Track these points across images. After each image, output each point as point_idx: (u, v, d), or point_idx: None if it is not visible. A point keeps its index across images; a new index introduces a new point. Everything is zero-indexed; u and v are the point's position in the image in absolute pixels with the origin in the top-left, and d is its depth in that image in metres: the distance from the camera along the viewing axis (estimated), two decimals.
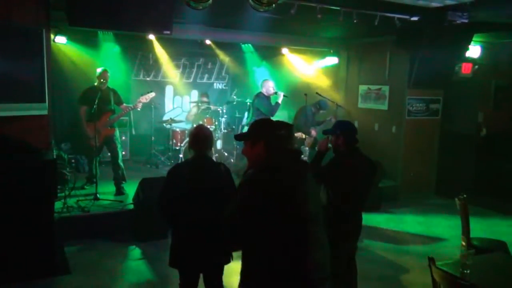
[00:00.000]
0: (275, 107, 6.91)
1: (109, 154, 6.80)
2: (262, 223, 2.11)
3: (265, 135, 2.29)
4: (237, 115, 9.31)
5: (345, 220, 3.47)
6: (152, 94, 6.81)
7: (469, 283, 2.67)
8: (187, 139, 7.87)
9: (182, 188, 3.04)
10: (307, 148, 7.54)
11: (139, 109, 6.81)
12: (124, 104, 6.71)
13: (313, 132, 7.68)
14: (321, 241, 2.25)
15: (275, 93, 7.00)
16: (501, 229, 6.31)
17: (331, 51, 9.13)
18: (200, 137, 3.17)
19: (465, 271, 2.90)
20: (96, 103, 5.98)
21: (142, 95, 6.75)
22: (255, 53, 9.45)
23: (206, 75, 10.02)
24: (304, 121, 7.64)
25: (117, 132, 6.65)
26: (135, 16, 5.35)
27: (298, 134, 7.73)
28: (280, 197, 2.14)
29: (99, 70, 6.47)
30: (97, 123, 6.10)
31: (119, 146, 6.61)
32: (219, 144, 8.44)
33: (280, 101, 6.99)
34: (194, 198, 3.03)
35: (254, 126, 2.41)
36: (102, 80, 6.32)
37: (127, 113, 6.93)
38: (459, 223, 4.27)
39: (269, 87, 7.00)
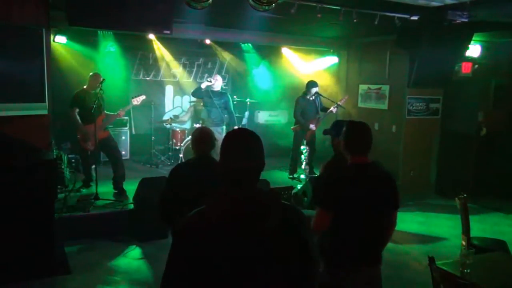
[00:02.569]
0: (196, 90, 7.41)
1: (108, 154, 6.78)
2: None
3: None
4: (237, 115, 9.30)
5: None
6: (143, 97, 6.80)
7: (469, 282, 2.67)
8: (187, 138, 7.91)
9: (183, 188, 3.04)
10: (304, 146, 7.49)
11: (121, 116, 6.71)
12: (105, 112, 6.56)
13: (312, 126, 7.62)
14: None
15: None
16: (501, 228, 6.31)
17: (331, 51, 9.13)
18: (202, 139, 3.21)
19: (465, 271, 2.90)
20: (95, 105, 5.95)
21: (133, 97, 6.74)
22: (255, 52, 9.44)
23: (206, 75, 9.99)
24: (300, 113, 7.63)
25: (110, 133, 6.63)
26: (135, 15, 5.35)
27: (296, 127, 7.72)
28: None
29: (91, 73, 6.44)
30: (93, 125, 6.02)
31: (117, 144, 6.59)
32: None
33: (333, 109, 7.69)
34: (195, 198, 3.02)
35: None
36: (93, 83, 6.25)
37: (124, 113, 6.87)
38: (459, 223, 4.25)
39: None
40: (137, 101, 6.72)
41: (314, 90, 7.64)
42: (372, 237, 2.65)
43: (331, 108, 7.74)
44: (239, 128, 1.57)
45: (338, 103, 7.71)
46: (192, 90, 7.71)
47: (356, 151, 2.68)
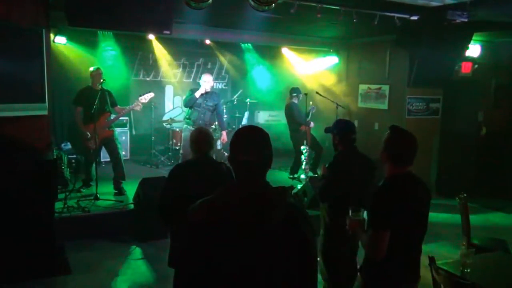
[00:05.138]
0: (190, 100, 6.60)
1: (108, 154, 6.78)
2: None
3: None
4: (237, 115, 9.32)
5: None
6: (151, 95, 6.73)
7: (470, 282, 2.67)
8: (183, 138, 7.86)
9: (183, 188, 3.04)
10: (304, 146, 7.47)
11: (139, 109, 6.77)
12: (118, 106, 6.62)
13: (312, 124, 7.76)
14: None
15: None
16: (501, 228, 6.30)
17: (331, 51, 9.13)
18: (200, 140, 3.22)
19: (466, 270, 2.90)
20: (96, 103, 5.94)
21: (140, 95, 6.71)
22: (255, 52, 9.44)
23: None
24: (298, 115, 7.69)
25: (116, 133, 6.60)
26: (135, 16, 5.35)
27: (302, 128, 7.74)
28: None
29: (92, 69, 6.41)
30: (96, 124, 6.03)
31: (119, 145, 6.57)
32: (219, 144, 8.44)
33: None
34: (195, 198, 3.03)
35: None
36: (97, 79, 6.23)
37: (127, 113, 6.87)
38: (459, 222, 4.26)
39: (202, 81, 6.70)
40: (145, 99, 6.65)
41: (301, 95, 7.72)
42: None
43: (309, 109, 7.81)
44: (247, 125, 1.65)
45: (310, 108, 7.75)
46: (184, 99, 6.91)
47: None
